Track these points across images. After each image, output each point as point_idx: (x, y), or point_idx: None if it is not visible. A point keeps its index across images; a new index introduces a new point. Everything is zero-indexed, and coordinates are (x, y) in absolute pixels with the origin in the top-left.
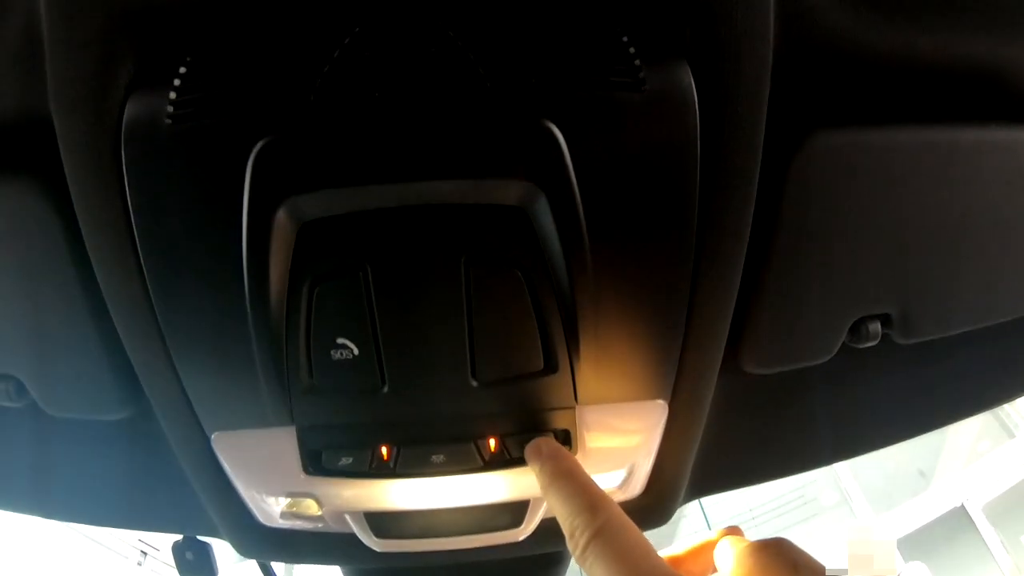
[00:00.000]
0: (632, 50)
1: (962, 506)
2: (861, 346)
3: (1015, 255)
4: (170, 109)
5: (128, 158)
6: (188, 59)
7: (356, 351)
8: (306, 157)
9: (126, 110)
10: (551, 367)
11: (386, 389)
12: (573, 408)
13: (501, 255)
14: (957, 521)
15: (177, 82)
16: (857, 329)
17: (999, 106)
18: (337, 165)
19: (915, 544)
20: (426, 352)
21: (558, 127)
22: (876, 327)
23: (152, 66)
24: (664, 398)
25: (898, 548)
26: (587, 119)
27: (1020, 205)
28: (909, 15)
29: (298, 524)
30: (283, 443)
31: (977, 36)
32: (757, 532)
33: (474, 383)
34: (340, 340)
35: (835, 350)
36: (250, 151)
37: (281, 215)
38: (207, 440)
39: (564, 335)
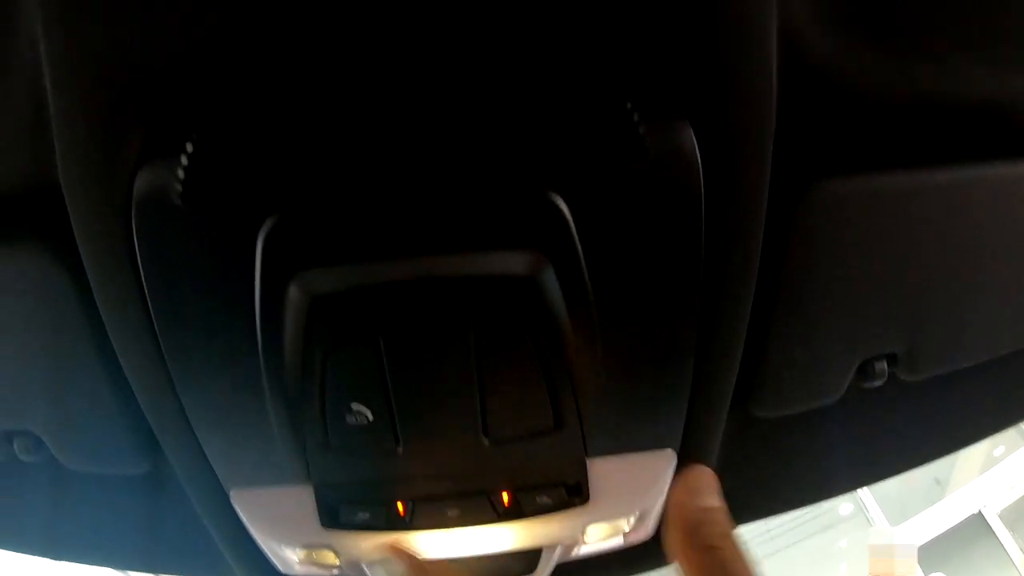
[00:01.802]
0: (636, 117)
1: (979, 513)
2: (868, 385)
3: (1020, 287)
4: (179, 188)
5: (139, 233)
6: (195, 136)
7: (370, 416)
8: (315, 234)
9: (135, 185)
10: (560, 424)
11: (401, 450)
12: (583, 461)
13: (510, 322)
14: (975, 528)
15: (185, 160)
16: (864, 369)
17: (1004, 140)
18: (346, 241)
19: (933, 553)
20: (439, 415)
21: (563, 198)
22: (883, 366)
23: (160, 140)
24: (673, 446)
25: (917, 557)
26: (592, 190)
27: (1022, 237)
28: (911, 51)
29: (316, 571)
30: (301, 499)
31: (982, 70)
32: (773, 544)
33: (486, 442)
34: (355, 406)
35: (843, 391)
36: (260, 229)
37: (293, 289)
38: (226, 495)
39: (572, 394)
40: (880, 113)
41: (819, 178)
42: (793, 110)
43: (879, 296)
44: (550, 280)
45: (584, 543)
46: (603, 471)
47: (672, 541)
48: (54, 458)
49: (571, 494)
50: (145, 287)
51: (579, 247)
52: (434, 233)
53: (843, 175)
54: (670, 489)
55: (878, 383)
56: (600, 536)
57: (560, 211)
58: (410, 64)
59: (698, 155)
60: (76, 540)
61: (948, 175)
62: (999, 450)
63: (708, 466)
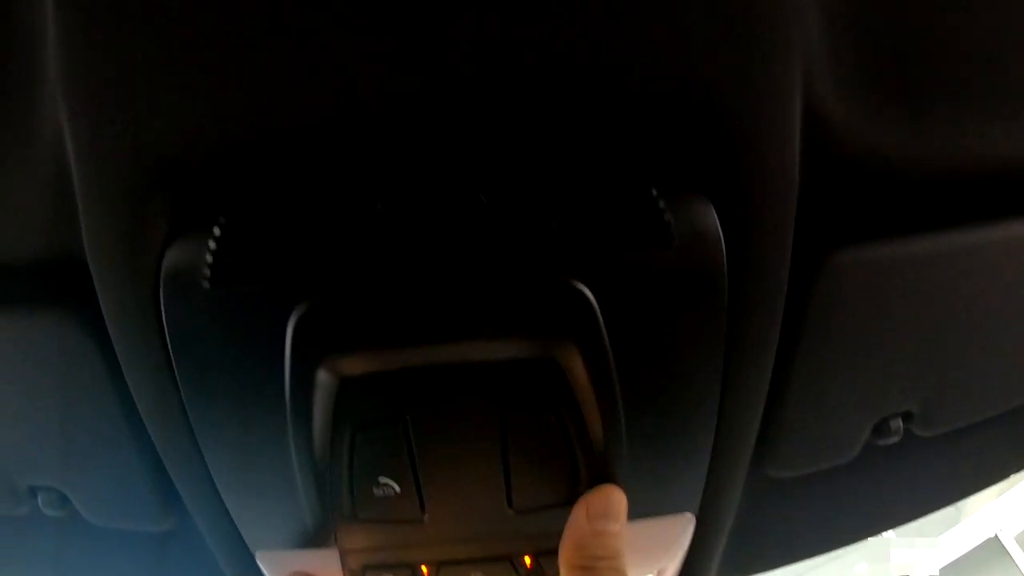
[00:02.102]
0: (661, 203)
1: (995, 537)
2: (883, 443)
3: None
4: (207, 272)
5: (167, 314)
6: (222, 220)
7: (397, 488)
8: (346, 320)
9: (163, 266)
10: (583, 493)
11: (426, 519)
12: None
13: (535, 401)
14: (991, 552)
15: (212, 244)
16: (879, 427)
17: (1017, 201)
18: (376, 328)
19: None
20: (465, 486)
21: (589, 287)
22: (898, 424)
23: (187, 222)
24: (692, 510)
25: None
26: (618, 279)
27: None
28: (928, 117)
29: None
30: (327, 560)
31: (997, 132)
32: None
33: (510, 511)
34: (382, 479)
35: (858, 449)
36: (290, 315)
37: (322, 373)
38: (251, 556)
39: (595, 465)
40: (896, 178)
41: (837, 246)
42: (811, 180)
43: (895, 358)
44: (575, 361)
45: None
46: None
47: (560, 559)
48: (78, 513)
49: None
50: (174, 363)
51: (604, 332)
52: (461, 321)
53: (860, 243)
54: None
55: (893, 440)
56: None
57: (585, 297)
58: (439, 151)
59: (722, 237)
60: None
61: (962, 238)
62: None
63: (724, 527)
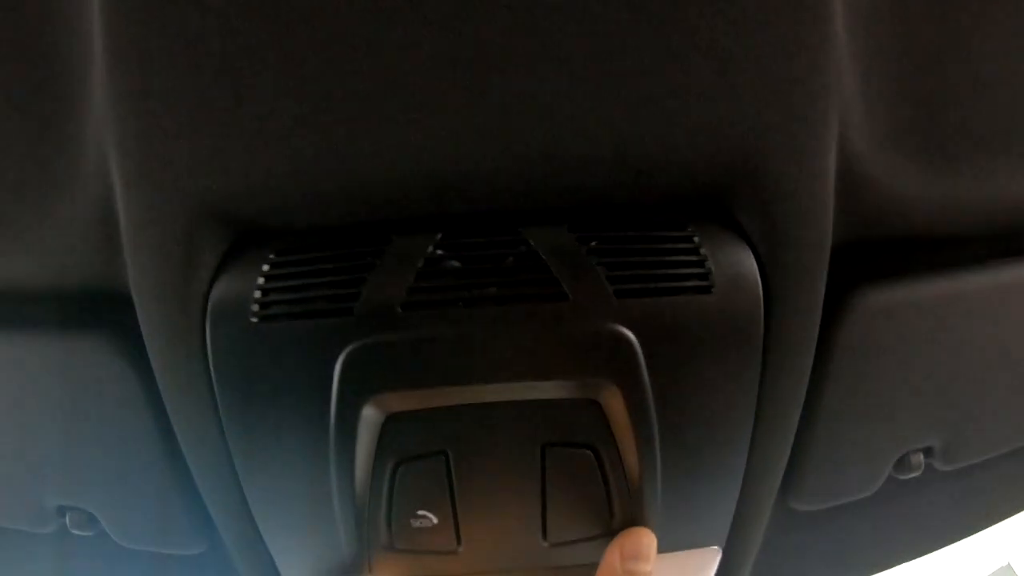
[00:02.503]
0: (703, 251)
1: (1008, 565)
2: (904, 477)
3: None
4: (256, 308)
5: (214, 347)
6: (271, 256)
7: (435, 520)
8: (394, 361)
9: (211, 300)
10: (616, 529)
11: (461, 550)
12: None
13: (574, 439)
14: None
15: (262, 280)
16: (901, 462)
17: None
18: (423, 369)
19: None
20: (501, 520)
21: (632, 331)
22: (919, 458)
23: (235, 258)
24: (719, 543)
25: None
26: (660, 323)
27: None
28: (960, 164)
29: None
30: None
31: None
32: None
33: (544, 544)
34: (420, 511)
35: (880, 483)
36: (340, 352)
37: (368, 409)
38: None
39: (629, 501)
40: (924, 224)
41: (866, 289)
42: (844, 227)
43: (918, 395)
44: (616, 402)
45: None
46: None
47: None
48: (105, 533)
49: None
50: (217, 393)
51: (646, 375)
52: (506, 364)
53: (887, 285)
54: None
55: (914, 475)
56: None
57: (630, 343)
58: (494, 205)
59: (760, 284)
60: None
61: (984, 278)
62: None
63: (749, 559)
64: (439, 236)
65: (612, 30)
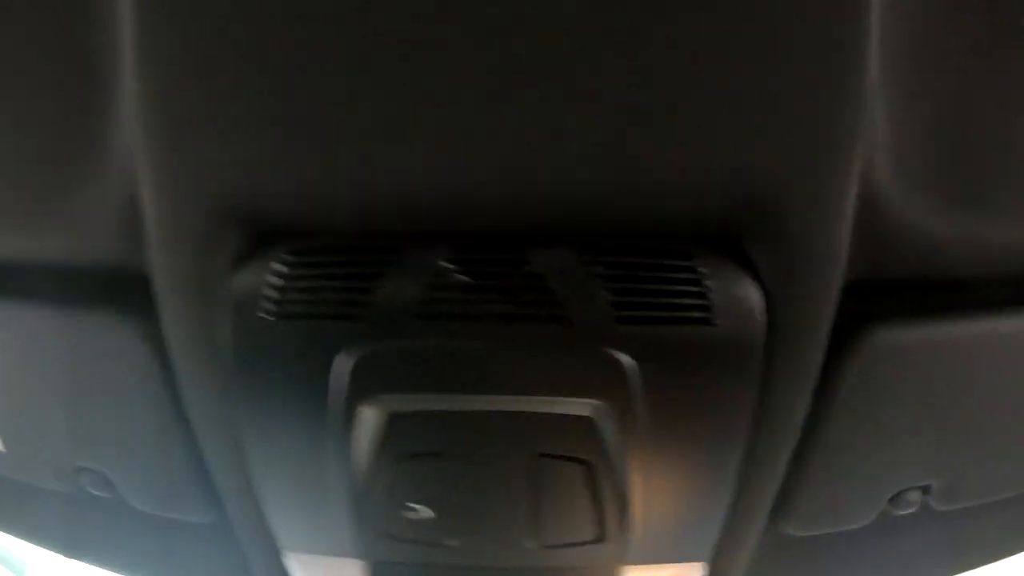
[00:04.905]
0: (707, 283)
1: None
2: (899, 513)
3: None
4: (271, 305)
5: (231, 339)
6: (288, 257)
7: (430, 513)
8: (401, 366)
9: (228, 293)
10: (602, 537)
11: (454, 544)
12: (619, 570)
13: (566, 450)
14: None
15: (278, 279)
16: (897, 498)
17: None
18: (429, 376)
19: None
20: (494, 519)
21: (631, 357)
22: (916, 496)
23: (252, 256)
24: (705, 560)
25: None
26: (659, 350)
27: None
28: (981, 208)
29: None
30: (353, 571)
31: None
32: None
33: (534, 545)
34: (417, 504)
35: (873, 516)
36: (350, 356)
37: (372, 408)
38: (279, 557)
39: (617, 512)
40: (941, 264)
41: (875, 327)
42: (858, 261)
43: (921, 434)
44: (609, 420)
45: None
46: None
47: None
48: (122, 497)
49: None
50: (230, 381)
51: (640, 397)
52: (507, 378)
53: (896, 325)
54: None
55: (910, 511)
56: None
57: (628, 368)
58: (506, 226)
59: (763, 317)
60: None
61: (994, 325)
62: None
63: None
64: (450, 250)
65: (634, 65)
